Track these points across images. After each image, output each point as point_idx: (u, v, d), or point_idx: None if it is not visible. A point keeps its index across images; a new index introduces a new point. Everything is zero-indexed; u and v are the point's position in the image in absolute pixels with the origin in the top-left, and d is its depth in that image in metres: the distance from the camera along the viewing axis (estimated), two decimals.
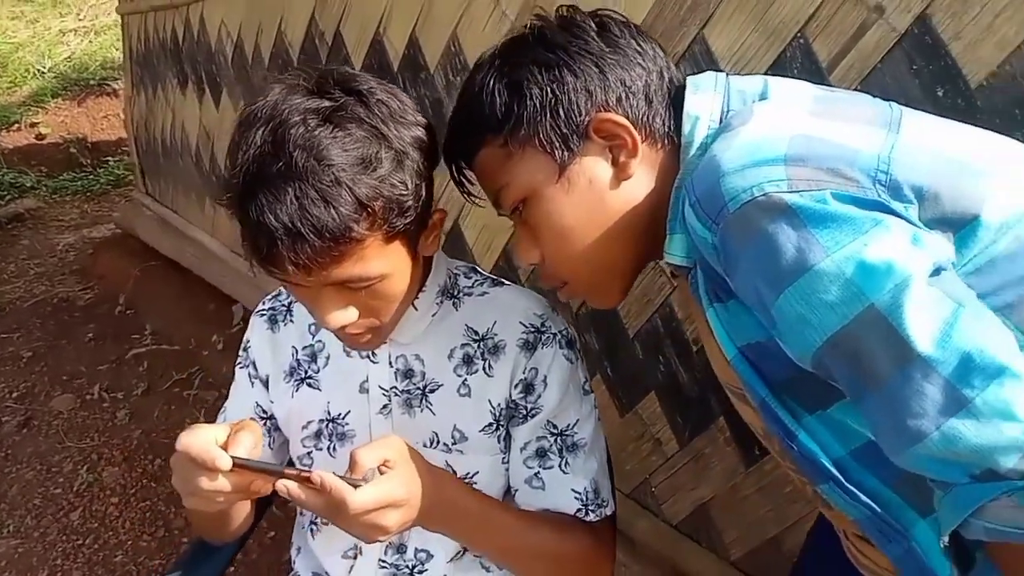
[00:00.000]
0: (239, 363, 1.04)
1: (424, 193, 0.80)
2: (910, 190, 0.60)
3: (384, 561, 0.98)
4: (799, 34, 1.15)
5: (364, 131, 0.74)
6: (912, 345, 0.55)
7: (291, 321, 1.01)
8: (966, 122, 0.74)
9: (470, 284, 0.98)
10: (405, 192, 0.76)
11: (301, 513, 1.10)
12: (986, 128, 0.72)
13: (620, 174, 0.78)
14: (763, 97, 0.75)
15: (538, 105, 0.77)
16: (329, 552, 1.01)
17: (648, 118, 0.78)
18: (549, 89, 0.77)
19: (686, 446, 1.50)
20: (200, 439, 0.72)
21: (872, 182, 0.60)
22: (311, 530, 1.04)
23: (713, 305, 0.72)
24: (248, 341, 1.03)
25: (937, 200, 0.60)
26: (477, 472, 0.93)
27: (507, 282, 1.01)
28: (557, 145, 0.77)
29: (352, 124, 0.74)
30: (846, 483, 0.68)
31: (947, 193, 0.60)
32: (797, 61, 1.16)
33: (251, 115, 0.75)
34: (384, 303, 0.83)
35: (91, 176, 5.67)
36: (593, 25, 0.80)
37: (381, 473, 0.74)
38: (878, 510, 0.68)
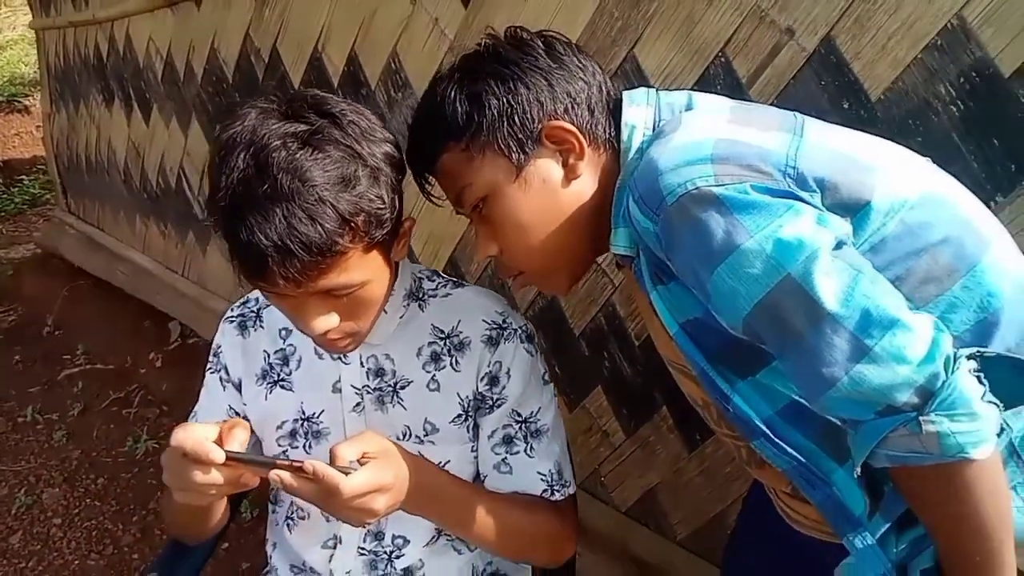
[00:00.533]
0: (209, 368, 1.08)
1: (397, 204, 0.87)
2: (813, 181, 0.72)
3: (363, 548, 1.03)
4: (720, 53, 1.26)
5: (341, 151, 0.80)
6: (821, 305, 0.66)
7: (261, 327, 1.06)
8: (866, 131, 0.87)
9: (434, 286, 1.05)
10: (382, 206, 0.83)
11: (274, 511, 1.14)
12: (885, 136, 0.86)
13: (569, 174, 0.89)
14: (689, 108, 0.88)
15: (496, 114, 0.86)
16: (308, 544, 1.06)
17: (591, 126, 0.89)
18: (505, 100, 0.86)
19: (632, 435, 1.60)
20: (194, 435, 0.77)
21: (783, 175, 0.72)
22: (287, 525, 1.09)
23: (656, 288, 0.83)
24: (219, 347, 1.08)
25: (836, 189, 0.73)
26: (448, 461, 1.00)
27: (467, 283, 1.08)
28: (514, 149, 0.87)
29: (329, 146, 0.80)
30: (774, 438, 0.80)
31: (844, 183, 0.73)
32: (720, 78, 1.27)
33: (230, 140, 0.80)
34: (364, 308, 0.89)
35: (4, 196, 5.44)
36: (540, 44, 0.90)
37: (361, 465, 0.79)
38: (803, 460, 0.79)
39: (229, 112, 2.46)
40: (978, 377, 0.66)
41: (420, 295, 1.04)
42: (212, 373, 1.08)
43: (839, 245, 0.69)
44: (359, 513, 0.78)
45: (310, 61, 2.10)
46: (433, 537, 1.04)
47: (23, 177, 5.60)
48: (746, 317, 0.71)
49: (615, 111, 0.90)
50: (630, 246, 0.85)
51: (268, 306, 1.07)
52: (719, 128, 0.78)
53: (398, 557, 1.04)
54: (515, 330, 1.01)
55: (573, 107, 0.88)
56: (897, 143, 1.11)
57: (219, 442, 0.79)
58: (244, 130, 0.79)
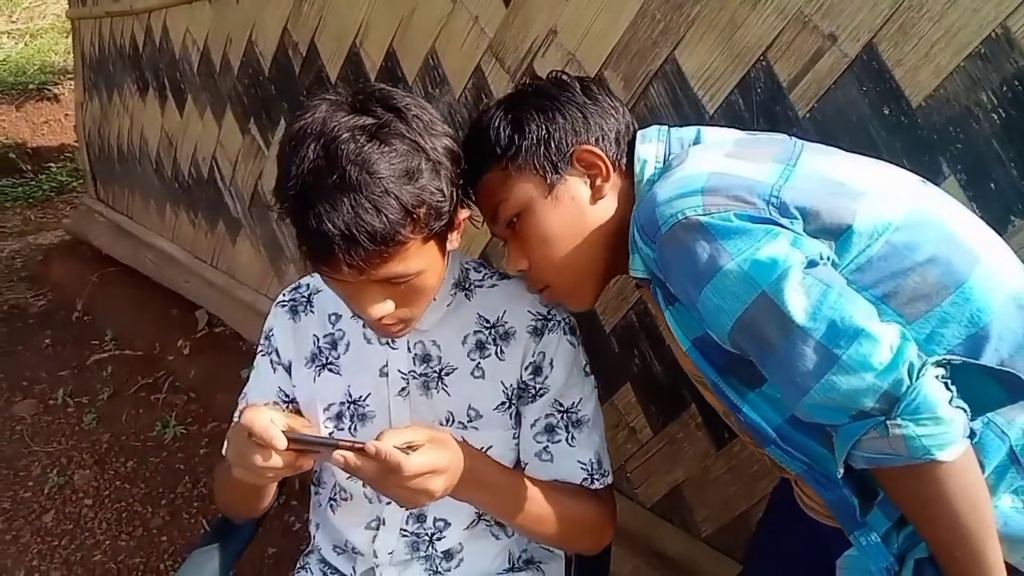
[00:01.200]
0: (260, 351, 1.12)
1: (455, 197, 0.90)
2: (795, 209, 0.79)
3: (405, 530, 1.07)
4: (761, 57, 1.28)
5: (406, 145, 0.84)
6: (791, 318, 0.72)
7: (311, 312, 1.10)
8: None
9: (480, 277, 1.08)
10: (442, 199, 0.86)
11: (317, 492, 1.18)
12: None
13: (596, 195, 0.98)
14: (697, 142, 0.96)
15: (535, 138, 0.96)
16: (352, 524, 1.09)
17: (616, 155, 0.99)
18: (544, 127, 0.96)
19: (659, 432, 1.62)
20: (261, 418, 0.81)
21: (766, 204, 0.79)
22: (331, 506, 1.12)
23: (668, 308, 0.90)
24: (271, 330, 1.11)
25: (818, 216, 0.79)
26: (491, 447, 1.02)
27: (513, 275, 1.11)
28: (548, 169, 0.96)
29: (395, 139, 0.83)
30: (784, 445, 0.86)
31: (825, 210, 0.79)
32: (760, 81, 1.29)
33: (301, 130, 0.83)
34: (418, 295, 0.92)
35: (32, 183, 5.53)
36: (578, 84, 1.01)
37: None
38: (812, 464, 0.85)
39: (265, 105, 2.52)
40: (945, 383, 0.70)
41: (467, 285, 1.07)
42: (263, 355, 1.11)
43: (812, 264, 0.75)
44: (415, 494, 0.82)
45: (347, 56, 2.14)
46: (473, 521, 1.07)
47: (51, 164, 5.70)
48: (730, 332, 0.78)
49: (632, 147, 0.99)
50: (645, 270, 0.91)
51: (320, 291, 1.10)
52: (715, 162, 0.85)
53: (439, 539, 1.07)
54: (559, 321, 1.04)
55: (603, 137, 0.98)
56: (936, 150, 1.14)
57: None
58: (315, 121, 0.82)
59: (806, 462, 0.85)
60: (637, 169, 0.96)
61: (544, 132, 0.96)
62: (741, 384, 0.87)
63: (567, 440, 1.03)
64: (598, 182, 0.97)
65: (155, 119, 3.30)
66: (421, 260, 0.88)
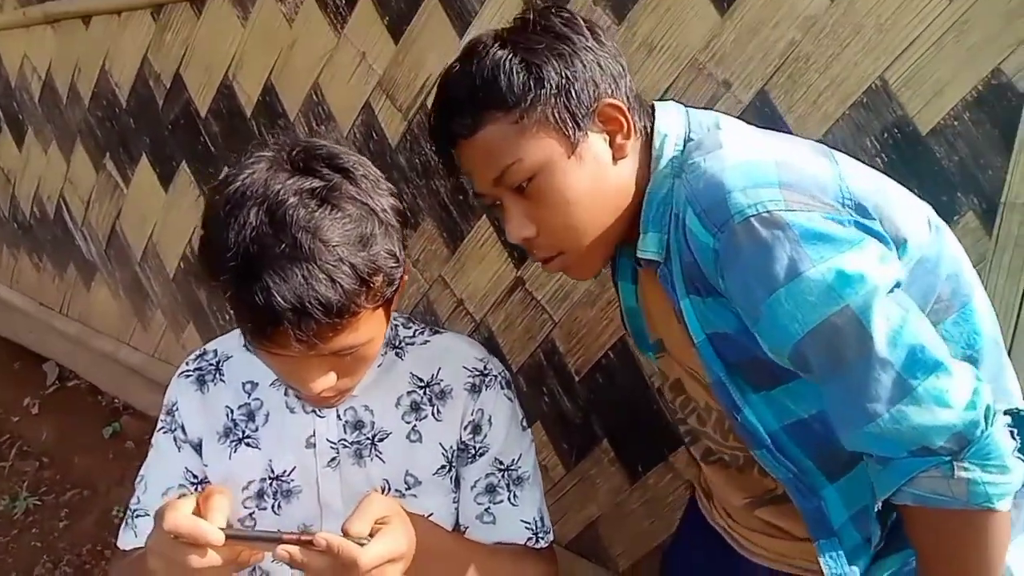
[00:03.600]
0: (161, 428, 1.01)
1: (402, 259, 0.85)
2: (870, 208, 0.74)
3: None
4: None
5: (357, 209, 0.78)
6: (874, 340, 0.68)
7: (222, 380, 1.00)
8: None
9: (411, 334, 1.03)
10: (395, 264, 0.81)
11: None
12: None
13: (617, 153, 0.87)
14: (717, 127, 0.89)
15: (555, 87, 0.82)
16: None
17: (634, 111, 0.89)
18: (565, 74, 0.83)
19: (572, 469, 1.62)
20: (186, 515, 0.72)
21: (841, 205, 0.74)
22: None
23: (689, 296, 0.84)
24: (174, 404, 1.00)
25: (883, 220, 0.75)
26: (431, 514, 0.97)
27: (443, 329, 1.07)
28: (570, 124, 0.83)
29: (347, 203, 0.77)
30: (776, 452, 0.83)
31: (885, 216, 0.76)
32: None
33: (239, 192, 0.75)
34: (361, 365, 0.86)
35: None
36: (585, 25, 0.88)
37: (371, 535, 0.76)
38: (799, 473, 0.84)
39: (122, 139, 2.31)
40: (1011, 432, 0.70)
41: (397, 343, 1.02)
42: (165, 433, 1.00)
43: (896, 285, 0.72)
44: None
45: (219, 88, 2.01)
46: None
47: None
48: (797, 343, 0.72)
49: (645, 108, 0.92)
50: (659, 251, 0.86)
51: (230, 358, 1.01)
52: (775, 150, 0.79)
53: None
54: (495, 376, 1.01)
55: (618, 91, 0.88)
56: None
57: (199, 514, 0.74)
58: (255, 183, 0.75)
59: (794, 471, 0.83)
60: (657, 143, 0.87)
61: (564, 80, 0.82)
62: (746, 384, 0.83)
63: (509, 499, 1.00)
64: (619, 139, 0.87)
65: None
66: (370, 329, 0.82)
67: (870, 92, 1.14)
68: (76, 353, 2.85)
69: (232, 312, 0.79)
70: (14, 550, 2.28)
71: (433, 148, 0.89)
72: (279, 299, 0.72)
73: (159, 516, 0.73)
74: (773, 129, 1.20)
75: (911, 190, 1.11)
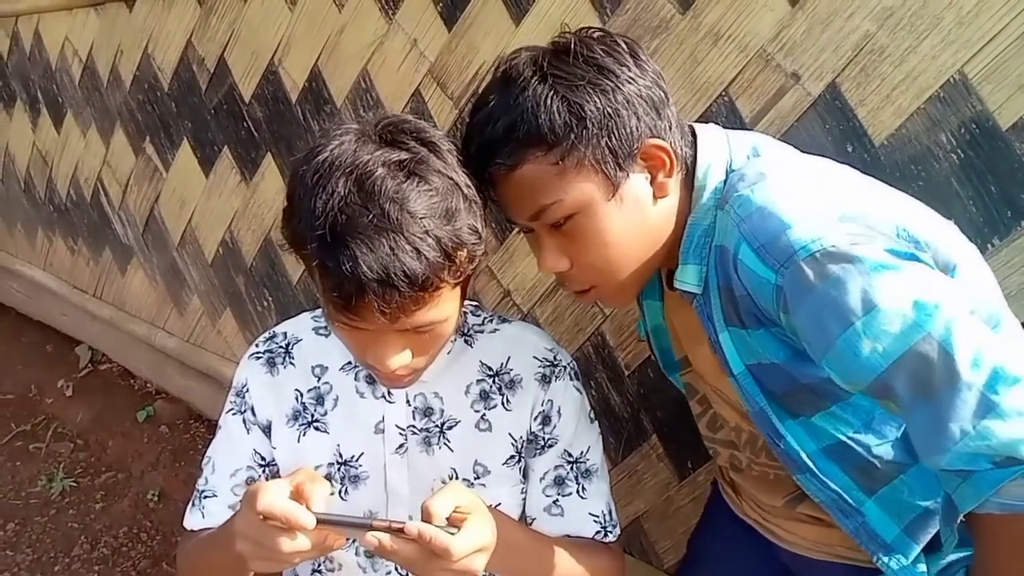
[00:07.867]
0: (230, 410, 1.00)
1: (484, 236, 0.83)
2: (924, 243, 0.76)
3: None
4: (723, 93, 1.30)
5: (443, 182, 0.77)
6: (959, 364, 0.68)
7: (291, 364, 0.99)
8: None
9: (479, 322, 1.02)
10: (478, 241, 0.80)
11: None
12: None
13: (658, 192, 0.87)
14: (756, 154, 0.89)
15: (597, 126, 0.80)
16: None
17: (680, 148, 0.87)
18: (607, 112, 0.80)
19: (619, 464, 1.61)
20: (280, 499, 0.71)
21: (896, 236, 0.75)
22: None
23: (729, 328, 0.84)
24: (244, 386, 1.00)
25: (936, 252, 0.77)
26: (499, 504, 0.96)
27: (512, 318, 1.05)
28: (611, 165, 0.82)
29: (433, 176, 0.76)
30: (819, 474, 0.85)
31: (937, 246, 0.77)
32: (722, 116, 1.31)
33: (326, 163, 0.74)
34: (436, 343, 0.86)
35: None
36: (627, 51, 0.85)
37: (450, 520, 0.75)
38: (841, 492, 0.85)
39: (163, 124, 2.32)
40: None
41: (466, 330, 1.01)
42: (234, 415, 1.00)
43: (971, 310, 0.72)
44: (459, 575, 0.74)
45: (264, 74, 2.00)
46: None
47: None
48: (881, 374, 0.72)
49: (686, 137, 0.90)
50: (698, 284, 0.86)
51: (299, 341, 1.01)
52: (824, 182, 0.80)
53: None
54: (564, 367, 1.00)
55: (662, 126, 0.85)
56: (898, 186, 1.19)
57: (296, 500, 0.73)
58: (343, 154, 0.74)
59: (836, 491, 0.84)
60: (700, 173, 0.86)
61: (607, 119, 0.80)
62: (784, 412, 0.84)
63: (577, 492, 0.98)
64: (660, 177, 0.85)
65: (23, 134, 2.97)
66: (450, 306, 0.82)
67: (948, 86, 1.11)
68: (109, 336, 2.86)
69: (317, 282, 0.78)
70: (51, 530, 2.30)
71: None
72: (365, 268, 0.71)
73: (249, 497, 0.72)
74: (843, 125, 1.20)
75: (989, 188, 1.12)
